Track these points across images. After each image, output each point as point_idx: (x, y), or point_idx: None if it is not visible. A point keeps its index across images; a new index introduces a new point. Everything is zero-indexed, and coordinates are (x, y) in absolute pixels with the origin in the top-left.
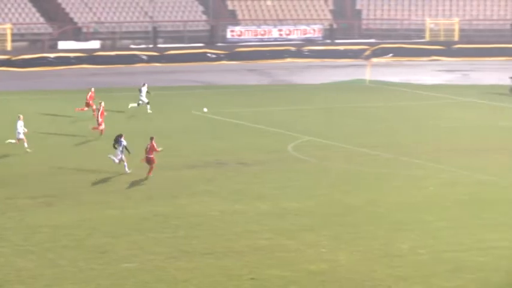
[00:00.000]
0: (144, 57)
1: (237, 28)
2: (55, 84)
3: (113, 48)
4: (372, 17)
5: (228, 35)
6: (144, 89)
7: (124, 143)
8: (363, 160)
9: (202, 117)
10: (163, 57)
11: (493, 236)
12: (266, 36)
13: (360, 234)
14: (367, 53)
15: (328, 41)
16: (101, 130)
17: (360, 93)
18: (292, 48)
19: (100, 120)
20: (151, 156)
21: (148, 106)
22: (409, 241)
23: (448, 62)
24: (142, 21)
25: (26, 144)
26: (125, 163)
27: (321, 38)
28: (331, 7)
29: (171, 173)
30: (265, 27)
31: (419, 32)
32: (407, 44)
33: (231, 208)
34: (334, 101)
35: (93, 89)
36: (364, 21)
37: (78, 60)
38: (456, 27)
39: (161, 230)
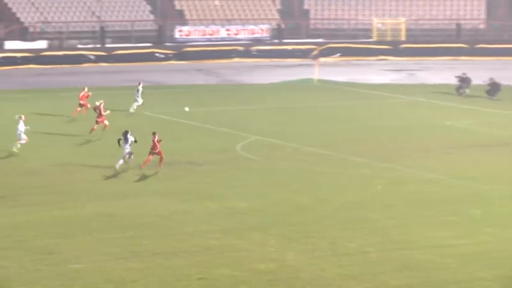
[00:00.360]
0: (92, 57)
1: (185, 28)
2: (2, 84)
3: (60, 48)
4: (319, 16)
5: (176, 35)
6: (140, 89)
7: (132, 138)
8: (312, 159)
9: (151, 117)
10: (111, 57)
11: (440, 234)
12: (214, 36)
13: (308, 233)
14: (315, 52)
15: (276, 40)
16: (93, 128)
17: (308, 93)
18: (240, 48)
19: (99, 119)
20: (158, 150)
21: (135, 105)
22: (357, 240)
23: (395, 61)
24: (89, 21)
25: (17, 145)
26: (130, 157)
27: (268, 38)
28: (278, 7)
29: (121, 172)
30: (213, 27)
31: (367, 32)
32: (354, 43)
33: (181, 208)
34: (282, 101)
35: (86, 88)
36: (312, 21)
37: (25, 60)
38: (403, 27)
39: (110, 231)
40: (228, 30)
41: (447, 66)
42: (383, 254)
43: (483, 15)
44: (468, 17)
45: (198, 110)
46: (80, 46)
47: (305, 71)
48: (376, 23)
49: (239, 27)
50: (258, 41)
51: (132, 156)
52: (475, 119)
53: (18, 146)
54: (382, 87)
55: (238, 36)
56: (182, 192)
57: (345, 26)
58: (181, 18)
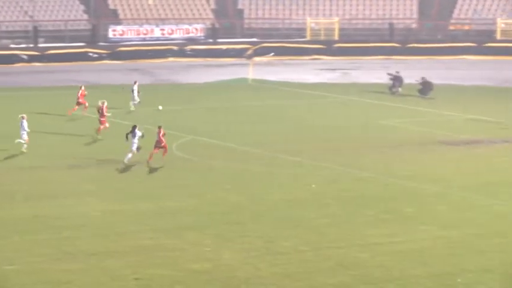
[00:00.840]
0: (25, 56)
1: (119, 27)
2: None
3: None
4: (253, 16)
5: (110, 34)
6: (136, 88)
7: (139, 133)
8: (246, 158)
9: (84, 118)
10: (44, 57)
11: (374, 232)
12: (148, 36)
13: (243, 233)
14: (250, 52)
15: (211, 40)
16: (100, 128)
17: (243, 92)
18: (175, 48)
19: (103, 119)
20: (164, 143)
21: (132, 104)
22: (292, 238)
23: (329, 60)
24: (22, 21)
25: (24, 145)
26: (138, 151)
27: (203, 38)
28: (213, 6)
29: (53, 173)
30: (147, 27)
31: (301, 31)
32: (288, 43)
33: (114, 208)
34: (217, 100)
35: (83, 87)
36: (246, 21)
37: None
38: (336, 27)
39: (43, 232)
40: (162, 29)
41: (380, 66)
42: (318, 252)
43: (415, 15)
44: (401, 16)
45: (132, 110)
46: (12, 46)
47: (240, 70)
48: (310, 22)
49: (173, 26)
50: (192, 41)
51: (140, 151)
52: (408, 118)
53: (25, 146)
54: (316, 86)
55: (173, 36)
56: (115, 192)
57: (279, 26)
58: (115, 18)
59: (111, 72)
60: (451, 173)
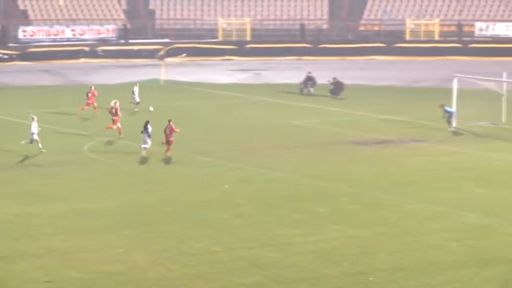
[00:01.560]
0: None
1: (29, 28)
2: None
3: None
4: (165, 17)
5: (20, 35)
6: (136, 89)
7: (151, 129)
8: (158, 159)
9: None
10: None
11: (287, 232)
12: (59, 36)
13: (156, 234)
14: (162, 52)
15: (123, 41)
16: (117, 128)
17: (155, 93)
18: (86, 48)
19: (115, 118)
20: (172, 138)
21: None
22: (205, 239)
23: (241, 61)
24: None
25: (40, 145)
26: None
27: (115, 38)
28: (124, 7)
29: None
30: (58, 27)
31: (212, 32)
32: (200, 43)
33: (26, 211)
34: (130, 101)
35: (93, 87)
36: (158, 21)
37: None
38: (248, 27)
39: None
40: (73, 30)
41: (292, 66)
42: (231, 253)
43: (326, 16)
44: (311, 17)
45: (44, 111)
46: None
47: (152, 71)
48: (222, 23)
49: (84, 27)
50: (104, 41)
51: (148, 146)
52: (320, 118)
53: (40, 146)
54: (228, 87)
55: (84, 37)
56: (27, 194)
57: (191, 26)
58: (25, 18)
59: (22, 73)
60: (363, 172)
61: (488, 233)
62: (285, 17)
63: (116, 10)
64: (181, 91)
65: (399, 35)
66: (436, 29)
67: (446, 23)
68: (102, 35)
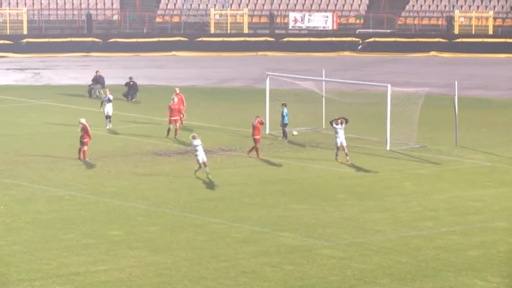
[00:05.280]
0: None
1: None
2: None
3: None
4: None
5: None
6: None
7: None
8: None
9: None
10: None
11: (75, 259)
12: None
13: None
14: None
15: None
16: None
17: None
18: None
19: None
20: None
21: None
22: None
23: (17, 58)
24: None
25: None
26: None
27: None
28: None
29: None
30: None
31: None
32: None
33: None
34: None
35: (177, 90)
36: None
37: None
38: (24, 18)
39: None
40: None
41: (78, 64)
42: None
43: (117, 5)
44: (100, 6)
45: None
46: None
47: None
48: None
49: None
50: None
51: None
52: (112, 125)
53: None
54: (3, 89)
55: None
56: None
57: None
58: None
59: None
60: (163, 188)
61: (308, 255)
62: (68, 6)
63: None
64: None
65: (203, 28)
66: (245, 20)
67: (257, 13)
68: None
